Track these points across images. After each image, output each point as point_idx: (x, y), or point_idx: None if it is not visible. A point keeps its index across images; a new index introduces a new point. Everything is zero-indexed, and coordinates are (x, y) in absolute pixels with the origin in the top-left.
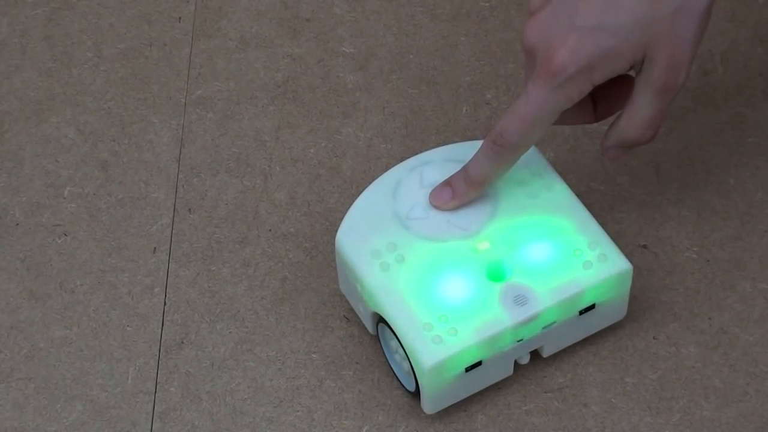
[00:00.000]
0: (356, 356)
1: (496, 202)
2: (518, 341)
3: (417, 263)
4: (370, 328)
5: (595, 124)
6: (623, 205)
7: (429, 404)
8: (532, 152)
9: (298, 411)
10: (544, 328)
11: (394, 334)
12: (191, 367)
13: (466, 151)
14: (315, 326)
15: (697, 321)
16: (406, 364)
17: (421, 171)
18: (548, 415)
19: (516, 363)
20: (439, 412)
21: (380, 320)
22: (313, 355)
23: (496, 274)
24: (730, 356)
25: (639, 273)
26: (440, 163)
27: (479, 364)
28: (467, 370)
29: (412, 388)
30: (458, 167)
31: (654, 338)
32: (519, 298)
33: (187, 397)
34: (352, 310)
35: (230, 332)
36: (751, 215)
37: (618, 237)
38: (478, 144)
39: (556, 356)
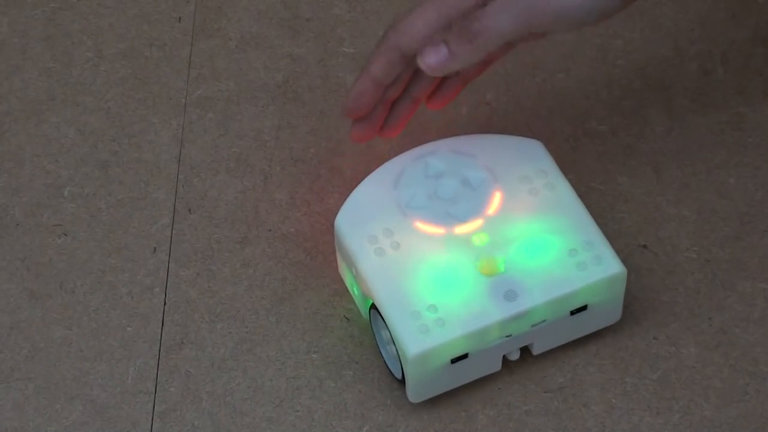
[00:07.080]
0: (356, 356)
1: (496, 197)
2: (506, 336)
3: (411, 251)
4: (364, 313)
5: (596, 125)
6: (623, 205)
7: (414, 393)
8: (538, 149)
9: (298, 411)
10: (533, 325)
11: (383, 320)
12: (191, 367)
13: (472, 143)
14: (315, 326)
15: (697, 321)
16: (393, 349)
17: (426, 161)
18: (548, 415)
19: (506, 358)
20: (439, 412)
21: (372, 306)
22: (313, 355)
23: (489, 268)
24: (730, 356)
25: (639, 273)
26: (445, 153)
27: (465, 356)
28: (453, 361)
29: (399, 375)
30: (464, 159)
31: (654, 338)
32: (509, 294)
33: (187, 397)
34: (352, 310)
35: (230, 332)
36: (751, 215)
37: (618, 237)
38: (484, 137)
39: (556, 356)
